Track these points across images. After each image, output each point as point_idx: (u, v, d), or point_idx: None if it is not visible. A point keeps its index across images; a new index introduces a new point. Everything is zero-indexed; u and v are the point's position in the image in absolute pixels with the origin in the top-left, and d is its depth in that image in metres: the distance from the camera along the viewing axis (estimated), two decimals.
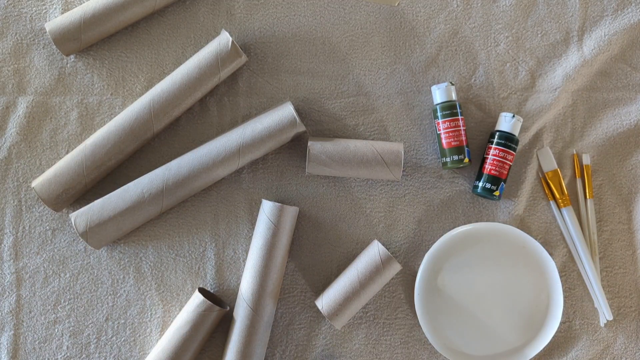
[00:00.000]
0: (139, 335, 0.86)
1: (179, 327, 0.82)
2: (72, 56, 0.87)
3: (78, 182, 0.83)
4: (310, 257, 0.87)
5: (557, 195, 0.88)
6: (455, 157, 0.85)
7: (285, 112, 0.83)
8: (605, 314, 0.87)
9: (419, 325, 0.86)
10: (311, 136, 0.87)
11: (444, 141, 0.85)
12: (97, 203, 0.82)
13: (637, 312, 0.88)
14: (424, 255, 0.86)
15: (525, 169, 0.89)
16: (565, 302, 0.87)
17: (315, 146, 0.83)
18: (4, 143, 0.86)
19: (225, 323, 0.86)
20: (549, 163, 0.89)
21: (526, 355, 0.85)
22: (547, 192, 0.89)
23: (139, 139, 0.84)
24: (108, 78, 0.89)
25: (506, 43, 0.90)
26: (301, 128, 0.83)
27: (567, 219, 0.88)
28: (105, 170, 0.84)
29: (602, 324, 0.87)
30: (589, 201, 0.88)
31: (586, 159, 0.89)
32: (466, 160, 0.85)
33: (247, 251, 0.87)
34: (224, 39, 0.83)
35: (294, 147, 0.89)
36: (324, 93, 0.89)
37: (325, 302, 0.83)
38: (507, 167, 0.85)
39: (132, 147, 0.84)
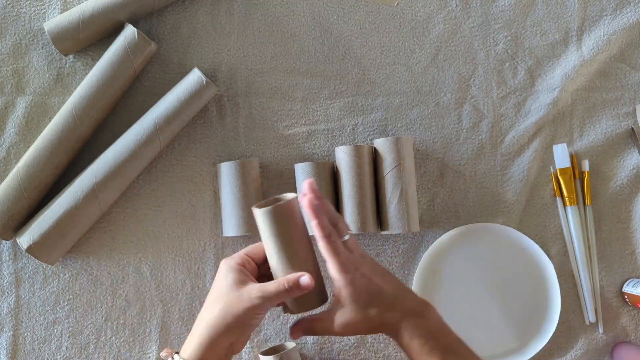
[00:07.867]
0: (139, 336, 0.86)
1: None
2: (70, 56, 0.87)
3: (21, 206, 0.82)
4: None
5: (566, 193, 0.88)
6: None
7: (193, 76, 0.83)
8: (589, 315, 0.87)
9: None
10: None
11: None
12: (37, 217, 0.81)
13: (637, 312, 0.88)
14: (422, 255, 0.86)
15: (524, 169, 0.89)
16: (563, 302, 0.87)
17: None
18: (3, 143, 0.86)
19: None
20: (563, 160, 0.88)
21: (524, 356, 0.85)
22: (555, 188, 0.89)
23: (70, 149, 0.83)
24: None
25: (505, 43, 0.90)
26: (212, 88, 0.83)
27: (570, 218, 0.88)
28: (44, 188, 0.83)
29: (587, 323, 0.88)
30: (587, 208, 0.88)
31: (585, 165, 0.89)
32: None
33: None
34: (129, 30, 0.82)
35: (292, 147, 0.88)
36: (323, 93, 0.89)
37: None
38: None
39: (66, 159, 0.83)
